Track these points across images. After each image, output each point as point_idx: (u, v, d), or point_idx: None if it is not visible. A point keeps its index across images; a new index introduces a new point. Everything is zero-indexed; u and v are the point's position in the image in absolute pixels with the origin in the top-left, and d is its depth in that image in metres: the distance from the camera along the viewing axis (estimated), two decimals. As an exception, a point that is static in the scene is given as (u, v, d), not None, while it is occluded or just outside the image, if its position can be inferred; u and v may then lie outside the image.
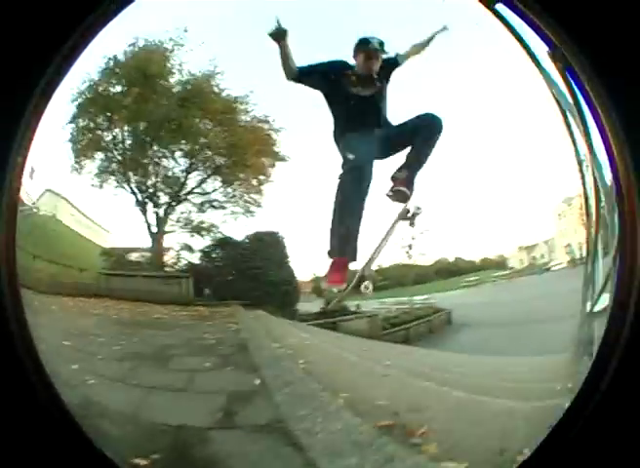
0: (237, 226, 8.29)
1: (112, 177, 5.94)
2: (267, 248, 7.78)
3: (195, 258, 7.77)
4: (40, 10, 0.49)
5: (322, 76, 2.93)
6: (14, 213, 0.55)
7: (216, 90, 6.20)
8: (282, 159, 8.13)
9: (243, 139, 7.39)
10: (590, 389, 0.58)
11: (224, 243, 7.80)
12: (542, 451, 0.65)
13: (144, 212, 6.17)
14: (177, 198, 6.62)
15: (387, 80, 3.00)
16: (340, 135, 2.96)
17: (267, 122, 7.98)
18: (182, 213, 7.28)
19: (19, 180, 0.53)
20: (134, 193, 6.07)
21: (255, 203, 8.25)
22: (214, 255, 7.82)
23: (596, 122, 0.56)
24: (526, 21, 0.63)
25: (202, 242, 7.61)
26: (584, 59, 0.52)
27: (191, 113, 6.09)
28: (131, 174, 6.08)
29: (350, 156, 2.81)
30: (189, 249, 7.48)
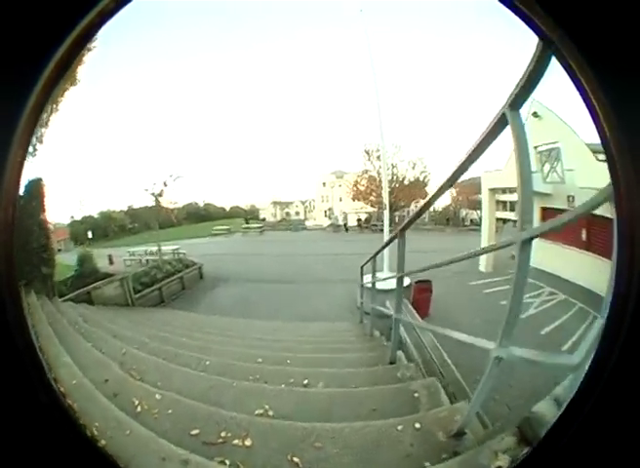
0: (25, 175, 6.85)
1: None
2: (32, 201, 6.03)
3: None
4: (39, 6, 0.49)
5: None
6: (13, 211, 0.55)
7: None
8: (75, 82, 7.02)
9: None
10: (587, 391, 0.58)
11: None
12: (538, 452, 0.65)
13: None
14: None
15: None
16: None
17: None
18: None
19: (18, 178, 0.52)
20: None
21: (39, 139, 6.60)
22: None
23: (592, 117, 0.54)
24: (516, 12, 0.60)
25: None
26: (577, 52, 0.51)
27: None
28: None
29: None
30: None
